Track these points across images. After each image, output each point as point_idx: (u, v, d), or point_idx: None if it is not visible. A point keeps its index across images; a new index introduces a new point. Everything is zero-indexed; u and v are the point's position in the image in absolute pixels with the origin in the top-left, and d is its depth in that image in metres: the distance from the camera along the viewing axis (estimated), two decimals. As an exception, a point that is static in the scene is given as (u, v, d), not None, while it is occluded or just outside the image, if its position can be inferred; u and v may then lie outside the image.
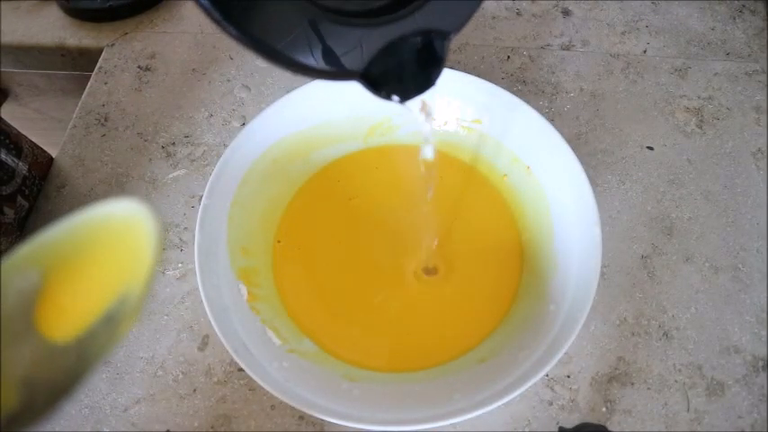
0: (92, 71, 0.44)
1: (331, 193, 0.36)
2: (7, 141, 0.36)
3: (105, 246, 0.16)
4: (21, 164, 0.36)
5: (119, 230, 0.16)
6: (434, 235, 0.34)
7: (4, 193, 0.35)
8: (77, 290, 0.16)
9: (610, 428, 0.28)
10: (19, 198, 0.36)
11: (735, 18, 0.44)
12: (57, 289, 0.16)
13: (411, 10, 0.18)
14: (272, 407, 0.31)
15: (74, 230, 0.16)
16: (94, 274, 0.16)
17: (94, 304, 0.15)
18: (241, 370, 0.31)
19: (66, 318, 0.15)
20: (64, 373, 0.15)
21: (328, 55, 0.17)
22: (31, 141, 0.38)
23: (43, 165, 0.39)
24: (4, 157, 0.35)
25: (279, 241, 0.34)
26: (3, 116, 0.36)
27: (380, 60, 0.18)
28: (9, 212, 0.35)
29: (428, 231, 0.34)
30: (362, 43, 0.18)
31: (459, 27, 0.20)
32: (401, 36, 0.18)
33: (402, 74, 0.19)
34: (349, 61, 0.18)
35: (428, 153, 0.27)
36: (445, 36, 0.19)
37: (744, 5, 0.45)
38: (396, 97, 0.20)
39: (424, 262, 0.33)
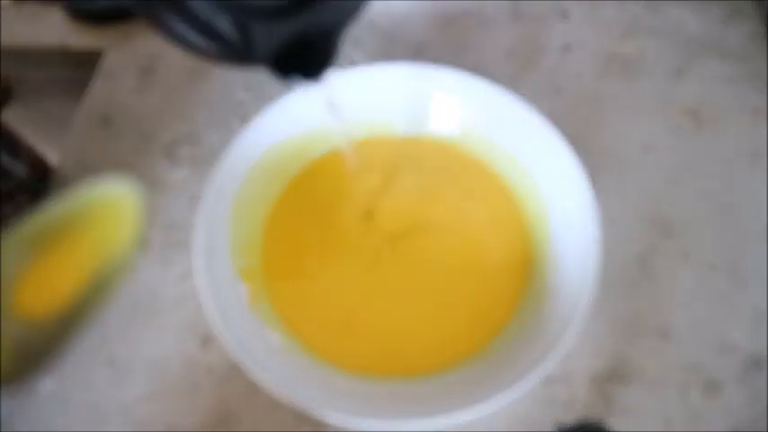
0: (94, 72, 0.44)
1: (324, 189, 0.36)
2: (4, 142, 0.36)
3: (93, 217, 0.18)
4: (19, 164, 0.36)
5: (105, 203, 0.19)
6: (433, 235, 0.34)
7: (3, 190, 0.35)
8: (71, 258, 0.18)
9: (608, 427, 0.28)
10: (18, 197, 0.36)
11: (731, 20, 0.44)
12: (47, 263, 0.17)
13: (302, 10, 0.21)
14: (272, 406, 0.31)
15: (64, 208, 0.18)
16: (85, 243, 0.18)
17: (86, 269, 0.17)
18: (241, 370, 0.31)
19: (58, 289, 0.17)
20: (56, 339, 0.17)
21: (241, 43, 0.20)
22: (26, 143, 0.38)
23: (42, 165, 0.39)
24: (1, 157, 0.35)
25: (269, 237, 0.34)
26: (5, 117, 0.37)
27: (285, 50, 0.22)
28: (8, 212, 0.35)
29: (426, 231, 0.34)
30: (270, 35, 0.21)
31: (347, 22, 0.23)
32: (299, 30, 0.21)
33: (302, 60, 0.23)
34: (255, 50, 0.21)
35: (349, 156, 0.30)
36: (337, 29, 0.23)
37: (740, 8, 0.45)
38: (298, 77, 0.23)
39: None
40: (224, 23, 0.19)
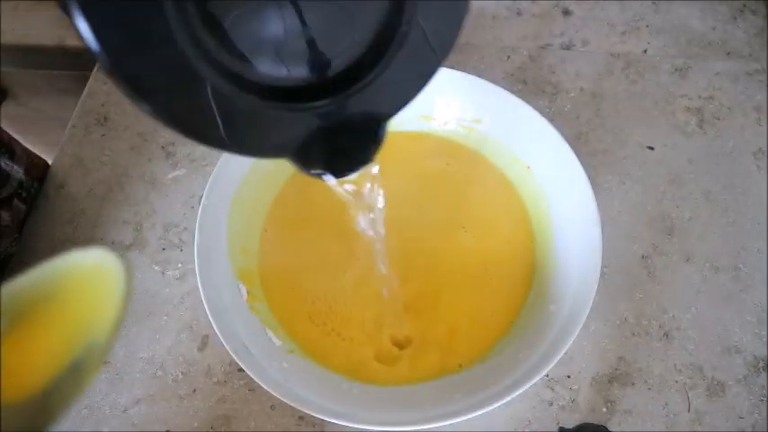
0: (91, 71, 0.44)
1: (323, 188, 0.35)
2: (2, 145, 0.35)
3: (73, 293, 0.16)
4: (15, 166, 0.36)
5: (87, 279, 0.16)
6: (435, 235, 0.34)
7: (0, 197, 0.34)
8: (45, 337, 0.16)
9: (610, 429, 0.28)
10: (16, 201, 0.36)
11: (735, 18, 0.44)
12: (24, 337, 0.16)
13: (349, 94, 0.17)
14: (272, 407, 0.30)
15: (42, 279, 0.16)
16: (62, 321, 0.16)
17: (62, 352, 0.15)
18: (241, 370, 0.31)
19: (33, 367, 0.15)
20: (28, 426, 0.14)
21: (257, 135, 0.17)
22: (23, 146, 0.38)
23: (39, 168, 0.38)
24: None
25: (267, 237, 0.34)
26: (2, 116, 0.36)
27: (314, 139, 0.17)
28: (5, 216, 0.35)
29: (427, 231, 0.34)
30: (296, 124, 0.17)
31: (398, 110, 0.19)
32: (339, 119, 0.17)
33: (336, 152, 0.18)
34: (281, 141, 0.17)
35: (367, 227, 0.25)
36: (381, 120, 0.19)
37: (744, 5, 0.45)
38: (329, 176, 0.19)
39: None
40: (239, 114, 0.15)
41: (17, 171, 0.36)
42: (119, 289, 0.16)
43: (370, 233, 0.25)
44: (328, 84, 0.17)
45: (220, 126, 0.16)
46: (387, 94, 0.18)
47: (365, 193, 0.22)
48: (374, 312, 0.31)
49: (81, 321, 0.16)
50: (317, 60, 0.17)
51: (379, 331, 0.31)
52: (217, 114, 0.15)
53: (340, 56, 0.17)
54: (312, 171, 0.18)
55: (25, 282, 0.16)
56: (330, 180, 0.19)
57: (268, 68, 0.16)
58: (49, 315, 0.16)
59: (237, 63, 0.15)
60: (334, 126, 0.18)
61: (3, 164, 0.35)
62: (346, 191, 0.22)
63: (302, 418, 0.30)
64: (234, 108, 0.16)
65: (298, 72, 0.17)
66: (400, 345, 0.30)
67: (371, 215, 0.24)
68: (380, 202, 0.24)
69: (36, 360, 0.15)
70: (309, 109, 0.17)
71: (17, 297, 0.16)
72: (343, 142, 0.18)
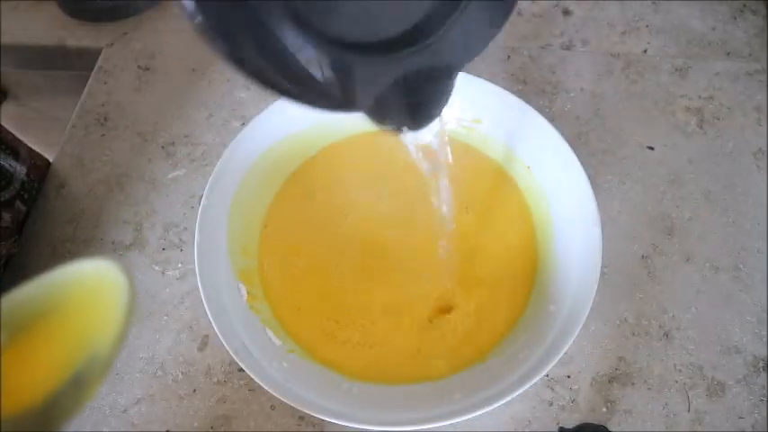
0: (91, 71, 0.44)
1: (322, 188, 0.35)
2: (4, 146, 0.35)
3: (75, 306, 0.16)
4: (19, 167, 0.36)
5: (89, 290, 0.16)
6: (437, 235, 0.34)
7: (2, 198, 0.34)
8: (46, 350, 0.16)
9: (610, 429, 0.28)
10: (17, 203, 0.36)
11: (735, 18, 0.44)
12: (24, 349, 0.15)
13: (423, 46, 0.17)
14: (272, 407, 0.30)
15: (44, 290, 0.16)
16: (64, 334, 0.16)
17: (63, 365, 0.15)
18: (241, 370, 0.31)
19: (34, 380, 0.15)
20: None
21: (333, 88, 0.16)
22: (27, 146, 0.38)
23: (41, 168, 0.38)
24: (1, 161, 0.34)
25: (265, 226, 0.33)
26: (2, 116, 0.36)
27: (387, 93, 0.18)
28: (6, 217, 0.35)
29: (429, 232, 0.34)
30: (372, 77, 0.17)
31: (468, 60, 0.20)
32: (411, 71, 0.18)
33: (409, 105, 0.19)
34: (356, 94, 0.17)
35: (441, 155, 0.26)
36: (453, 70, 0.19)
37: (744, 5, 0.45)
38: (405, 129, 0.19)
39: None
40: (319, 66, 0.15)
41: (20, 172, 0.36)
42: (121, 302, 0.15)
43: (441, 187, 0.26)
44: (401, 36, 0.17)
45: (314, 83, 0.15)
46: (458, 45, 0.19)
47: (434, 147, 0.23)
48: (374, 311, 0.31)
49: (82, 334, 0.16)
50: (395, 14, 0.17)
51: (381, 329, 0.31)
52: (307, 71, 0.15)
53: (413, 10, 0.17)
54: (387, 125, 0.19)
55: (26, 293, 0.16)
56: (405, 134, 0.19)
57: (349, 22, 0.16)
58: (50, 327, 0.16)
59: (320, 18, 0.15)
60: (407, 80, 0.18)
61: (7, 165, 0.35)
62: (416, 145, 0.23)
63: (302, 418, 0.30)
64: (325, 63, 0.15)
65: (377, 26, 0.17)
66: (445, 310, 0.31)
67: (438, 168, 0.25)
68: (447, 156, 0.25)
69: (36, 373, 0.15)
70: (385, 62, 0.17)
71: (17, 309, 0.15)
72: (416, 96, 0.18)
